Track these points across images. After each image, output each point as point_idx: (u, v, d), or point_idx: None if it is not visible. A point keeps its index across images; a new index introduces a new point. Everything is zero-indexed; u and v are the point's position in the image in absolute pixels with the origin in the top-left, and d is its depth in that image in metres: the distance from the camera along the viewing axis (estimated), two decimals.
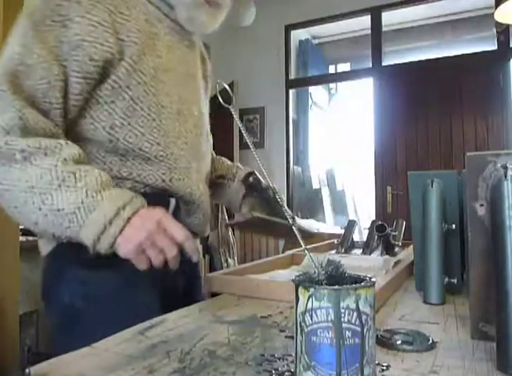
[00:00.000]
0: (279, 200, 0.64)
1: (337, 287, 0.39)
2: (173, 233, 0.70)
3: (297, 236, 0.51)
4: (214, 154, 1.15)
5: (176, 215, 0.83)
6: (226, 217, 0.99)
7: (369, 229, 1.44)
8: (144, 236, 0.68)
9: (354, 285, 0.39)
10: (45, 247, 0.82)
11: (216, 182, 1.09)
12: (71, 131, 0.77)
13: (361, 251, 1.39)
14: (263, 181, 1.03)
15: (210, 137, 1.03)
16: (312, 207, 4.98)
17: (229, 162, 1.16)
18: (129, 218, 0.69)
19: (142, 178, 0.80)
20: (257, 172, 1.06)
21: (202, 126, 0.94)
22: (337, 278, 0.42)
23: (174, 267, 0.71)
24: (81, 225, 0.67)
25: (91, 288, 0.77)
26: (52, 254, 0.81)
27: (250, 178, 1.03)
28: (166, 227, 0.70)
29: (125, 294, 0.78)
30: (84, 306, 0.77)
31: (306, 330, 0.39)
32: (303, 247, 0.52)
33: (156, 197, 0.82)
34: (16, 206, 0.69)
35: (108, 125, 0.77)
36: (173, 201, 0.84)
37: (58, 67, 0.71)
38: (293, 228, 0.52)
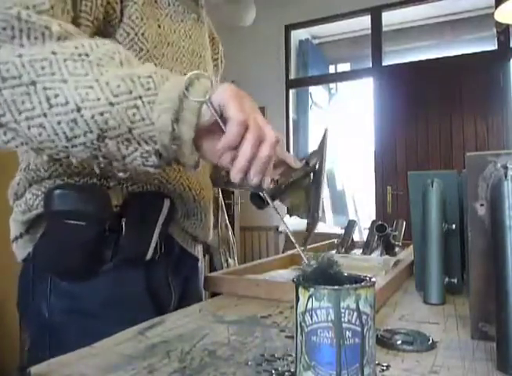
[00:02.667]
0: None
1: (337, 287, 0.39)
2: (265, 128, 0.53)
3: (289, 232, 0.50)
4: None
5: (172, 217, 0.77)
6: (226, 217, 0.98)
7: (369, 229, 1.44)
8: (238, 93, 0.52)
9: (354, 285, 0.39)
10: (20, 252, 0.75)
11: (230, 180, 1.02)
12: None
13: (361, 251, 1.39)
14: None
15: None
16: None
17: None
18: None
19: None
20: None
21: None
22: (331, 275, 0.42)
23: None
24: (157, 87, 0.49)
25: (76, 302, 0.70)
26: (28, 261, 0.73)
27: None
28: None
29: (113, 309, 0.71)
30: (67, 322, 0.70)
31: (306, 330, 0.39)
32: (293, 240, 0.51)
33: (147, 197, 0.74)
34: (57, 79, 0.48)
35: None
36: (167, 202, 0.75)
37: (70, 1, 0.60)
38: (285, 224, 0.50)
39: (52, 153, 0.52)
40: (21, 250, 0.74)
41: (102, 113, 0.48)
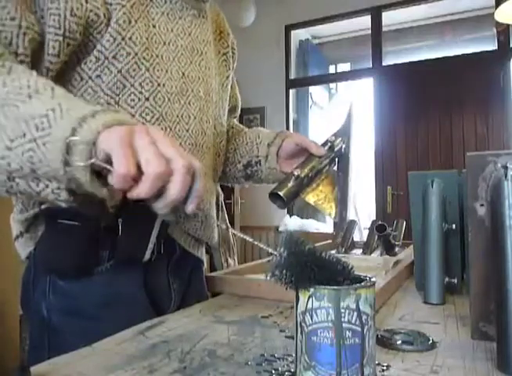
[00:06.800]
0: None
1: (337, 287, 0.39)
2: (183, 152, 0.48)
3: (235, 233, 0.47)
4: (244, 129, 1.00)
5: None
6: (226, 217, 0.98)
7: (369, 229, 1.44)
8: (143, 128, 0.48)
9: (354, 285, 0.39)
10: (22, 250, 0.74)
11: (248, 174, 0.94)
12: None
13: (361, 251, 1.39)
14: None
15: (224, 128, 0.90)
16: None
17: (251, 136, 0.95)
18: (123, 121, 0.49)
19: None
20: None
21: (208, 111, 0.82)
22: (299, 254, 0.40)
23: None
24: (52, 126, 0.47)
25: (73, 302, 0.69)
26: (30, 259, 0.73)
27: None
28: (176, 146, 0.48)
29: (111, 310, 0.70)
30: (65, 321, 0.69)
31: (306, 330, 0.39)
32: (250, 240, 0.49)
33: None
34: None
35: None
36: None
37: (31, 15, 0.60)
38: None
39: None
40: (23, 248, 0.74)
41: (3, 158, 0.49)
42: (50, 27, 0.61)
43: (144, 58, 0.70)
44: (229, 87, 0.94)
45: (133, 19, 0.68)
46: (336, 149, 0.77)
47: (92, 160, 0.45)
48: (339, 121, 0.81)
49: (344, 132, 0.79)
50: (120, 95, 0.68)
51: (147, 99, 0.70)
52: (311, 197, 0.73)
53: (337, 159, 0.78)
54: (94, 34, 0.65)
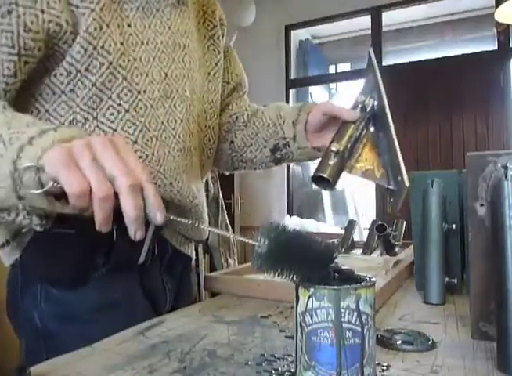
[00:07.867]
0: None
1: (337, 287, 0.39)
2: (129, 161, 0.45)
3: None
4: (260, 108, 0.92)
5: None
6: (226, 217, 0.97)
7: (369, 229, 1.44)
8: (82, 143, 0.44)
9: (354, 285, 0.39)
10: (7, 258, 0.70)
11: (278, 158, 0.87)
12: None
13: (361, 251, 1.39)
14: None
15: (209, 122, 0.83)
16: (312, 207, 4.98)
17: (271, 116, 0.88)
18: (64, 139, 0.46)
19: None
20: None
21: (194, 110, 0.76)
22: (285, 242, 0.40)
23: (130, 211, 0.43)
24: None
25: (68, 308, 0.67)
26: (16, 266, 0.70)
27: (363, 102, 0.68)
28: (122, 152, 0.45)
29: (107, 314, 0.68)
30: (61, 328, 0.67)
31: (306, 330, 0.39)
32: (229, 234, 0.46)
33: None
34: None
35: (68, 121, 0.62)
36: None
37: None
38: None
39: None
40: (8, 256, 0.70)
41: None
42: (3, 46, 0.55)
43: (120, 66, 0.64)
44: (219, 74, 0.86)
45: (104, 23, 0.62)
46: (368, 108, 0.69)
47: (44, 189, 0.43)
48: (362, 78, 0.72)
49: (372, 87, 0.70)
50: (98, 110, 0.63)
51: (127, 110, 0.65)
52: (358, 169, 0.65)
53: (372, 119, 0.69)
54: (60, 45, 0.60)
